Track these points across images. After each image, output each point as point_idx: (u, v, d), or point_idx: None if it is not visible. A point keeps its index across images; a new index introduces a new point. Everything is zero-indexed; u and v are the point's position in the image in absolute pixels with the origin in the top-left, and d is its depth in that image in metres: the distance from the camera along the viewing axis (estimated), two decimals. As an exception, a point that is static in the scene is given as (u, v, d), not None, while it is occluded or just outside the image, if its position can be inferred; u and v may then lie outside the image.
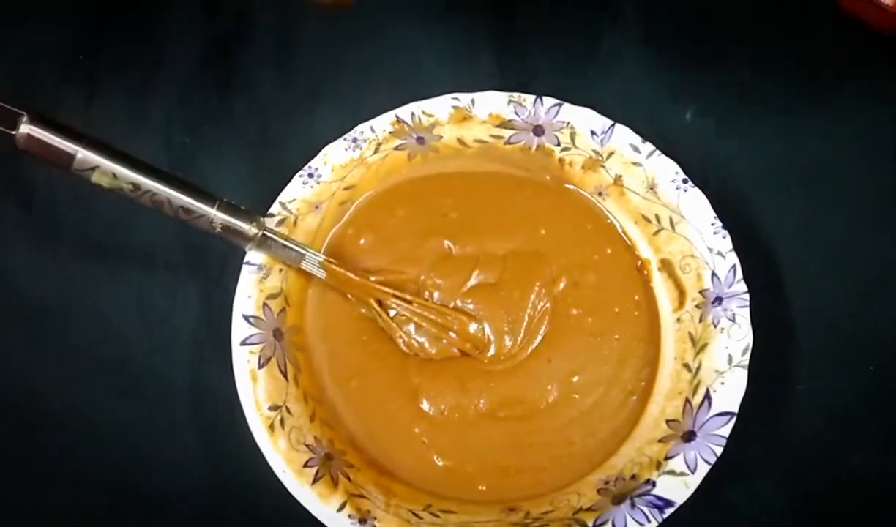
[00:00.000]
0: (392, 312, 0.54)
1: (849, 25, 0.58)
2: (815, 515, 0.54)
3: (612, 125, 0.56)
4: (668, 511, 0.47)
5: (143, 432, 0.56)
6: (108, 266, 0.59)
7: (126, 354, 0.57)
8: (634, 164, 0.55)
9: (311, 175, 0.54)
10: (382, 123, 0.57)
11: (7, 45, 0.62)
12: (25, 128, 0.42)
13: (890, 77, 0.63)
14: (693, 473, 0.47)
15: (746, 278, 0.51)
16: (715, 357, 0.50)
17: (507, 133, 0.57)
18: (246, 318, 0.51)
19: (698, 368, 0.50)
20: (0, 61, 0.62)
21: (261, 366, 0.50)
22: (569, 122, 0.57)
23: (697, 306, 0.52)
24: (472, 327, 0.54)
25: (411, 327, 0.54)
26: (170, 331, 0.58)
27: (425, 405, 0.54)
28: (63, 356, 0.57)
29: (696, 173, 0.55)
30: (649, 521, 0.47)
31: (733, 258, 0.51)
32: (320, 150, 0.55)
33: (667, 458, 0.48)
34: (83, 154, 0.43)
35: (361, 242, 0.56)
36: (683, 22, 0.66)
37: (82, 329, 0.58)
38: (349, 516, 0.48)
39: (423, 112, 0.57)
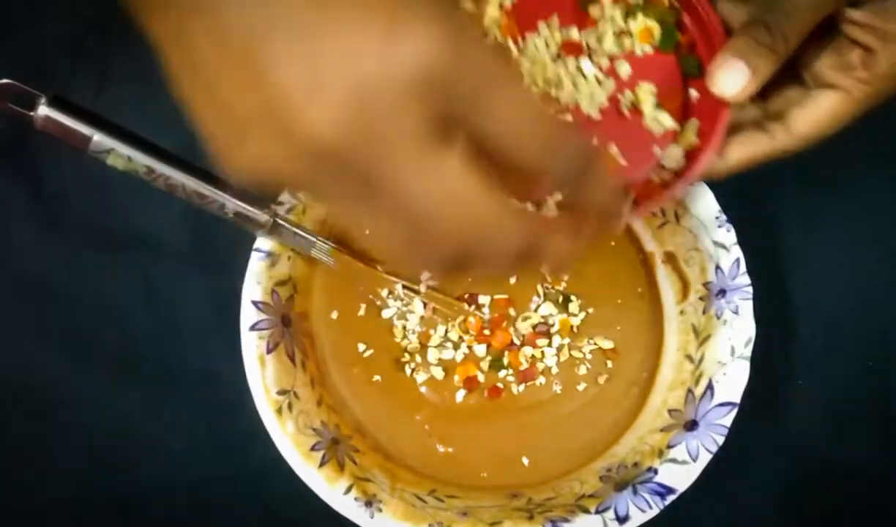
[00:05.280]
0: (398, 303, 0.55)
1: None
2: (812, 505, 0.55)
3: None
4: (670, 498, 0.47)
5: (149, 418, 0.57)
6: (115, 253, 0.59)
7: (133, 341, 0.58)
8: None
9: (320, 164, 0.55)
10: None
11: (19, 32, 0.63)
12: (44, 110, 0.43)
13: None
14: (695, 461, 0.48)
15: (749, 272, 0.52)
16: (718, 349, 0.51)
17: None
18: (255, 303, 0.51)
19: (701, 359, 0.51)
20: (12, 48, 0.63)
21: (269, 351, 0.51)
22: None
23: (701, 299, 0.53)
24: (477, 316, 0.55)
25: (412, 317, 0.55)
26: (177, 318, 0.58)
27: (426, 393, 0.54)
28: (70, 343, 0.58)
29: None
30: (651, 507, 0.47)
31: (737, 252, 0.52)
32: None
33: (669, 446, 0.49)
34: (99, 137, 0.44)
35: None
36: None
37: (89, 316, 0.58)
38: (355, 498, 0.48)
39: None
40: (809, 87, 0.44)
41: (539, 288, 0.55)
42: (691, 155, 0.45)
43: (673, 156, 0.45)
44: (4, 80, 0.42)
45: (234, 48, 0.26)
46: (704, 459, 0.48)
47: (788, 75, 0.44)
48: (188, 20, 0.27)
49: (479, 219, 0.28)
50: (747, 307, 0.51)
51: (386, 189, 0.27)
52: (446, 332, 0.55)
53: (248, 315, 0.51)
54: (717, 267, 0.52)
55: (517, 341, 0.55)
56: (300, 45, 0.25)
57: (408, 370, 0.55)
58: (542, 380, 0.54)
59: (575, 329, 0.55)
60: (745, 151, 0.45)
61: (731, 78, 0.41)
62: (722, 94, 0.42)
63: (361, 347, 0.55)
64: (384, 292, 0.55)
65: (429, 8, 0.26)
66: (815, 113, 0.43)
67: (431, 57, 0.25)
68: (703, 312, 0.52)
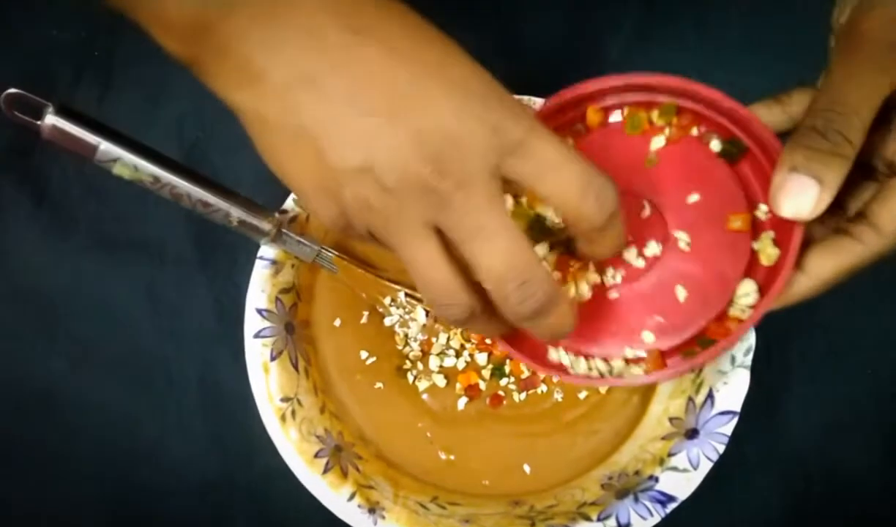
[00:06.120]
0: (400, 310, 0.55)
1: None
2: (812, 513, 0.56)
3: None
4: (671, 506, 0.48)
5: (153, 424, 0.57)
6: (119, 260, 0.60)
7: (136, 348, 0.58)
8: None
9: (323, 173, 0.55)
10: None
11: (23, 41, 0.63)
12: (50, 119, 0.43)
13: None
14: (695, 469, 0.48)
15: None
16: (718, 358, 0.51)
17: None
18: (259, 311, 0.52)
19: (701, 369, 0.51)
20: (16, 57, 0.63)
21: (273, 358, 0.51)
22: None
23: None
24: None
25: (413, 325, 0.55)
26: (180, 325, 0.59)
27: (428, 401, 0.55)
28: (74, 349, 0.58)
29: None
30: (652, 515, 0.48)
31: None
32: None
33: (670, 454, 0.49)
34: (106, 146, 0.44)
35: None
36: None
37: (93, 322, 0.59)
38: (359, 505, 0.49)
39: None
40: (884, 177, 0.39)
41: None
42: (767, 277, 0.41)
43: (747, 291, 0.41)
44: (12, 90, 0.43)
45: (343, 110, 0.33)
46: (705, 467, 0.48)
47: (857, 171, 0.38)
48: (291, 92, 0.33)
49: (518, 253, 0.34)
50: (748, 317, 0.51)
51: (453, 220, 0.33)
52: (448, 340, 0.55)
53: (252, 323, 0.52)
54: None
55: (519, 349, 0.55)
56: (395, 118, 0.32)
57: (410, 378, 0.55)
58: (543, 388, 0.55)
59: (576, 337, 0.55)
60: (832, 263, 0.39)
61: (798, 196, 0.36)
62: (792, 215, 0.37)
63: (364, 354, 0.55)
64: (387, 300, 0.55)
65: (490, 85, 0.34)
66: None
67: (492, 115, 0.33)
68: (704, 322, 0.53)
